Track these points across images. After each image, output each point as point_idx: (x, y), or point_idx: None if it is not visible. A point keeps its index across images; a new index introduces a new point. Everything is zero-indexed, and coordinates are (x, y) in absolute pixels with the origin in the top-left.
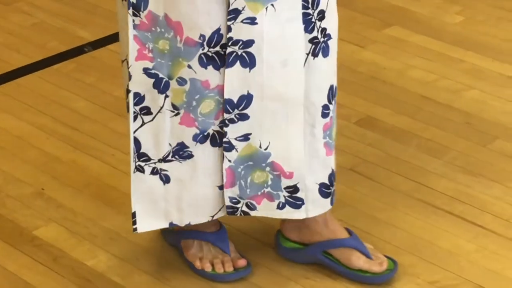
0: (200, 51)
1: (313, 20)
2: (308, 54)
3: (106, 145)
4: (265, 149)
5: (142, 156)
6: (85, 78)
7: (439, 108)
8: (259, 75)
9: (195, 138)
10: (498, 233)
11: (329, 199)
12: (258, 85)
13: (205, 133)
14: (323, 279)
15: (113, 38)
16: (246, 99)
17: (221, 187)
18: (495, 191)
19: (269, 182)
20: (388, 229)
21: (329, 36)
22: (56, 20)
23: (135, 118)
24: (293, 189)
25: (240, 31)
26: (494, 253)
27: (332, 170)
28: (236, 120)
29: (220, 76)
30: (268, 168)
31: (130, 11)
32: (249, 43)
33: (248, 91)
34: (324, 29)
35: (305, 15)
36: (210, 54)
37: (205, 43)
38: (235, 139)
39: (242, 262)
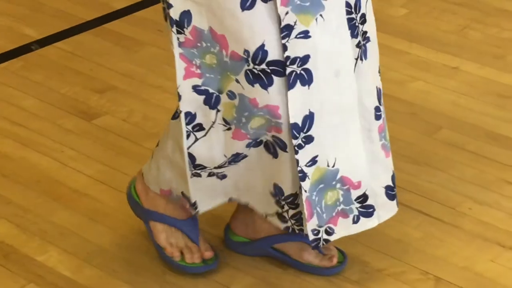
0: (246, 67)
1: (356, 24)
2: (356, 59)
3: (55, 142)
4: (333, 166)
5: (198, 167)
6: (32, 76)
7: (385, 100)
8: (317, 91)
9: (248, 145)
10: (443, 221)
11: (395, 201)
12: (317, 101)
13: (258, 140)
14: (273, 270)
15: (60, 35)
16: (309, 119)
17: (272, 195)
18: (440, 179)
19: (341, 199)
20: None
21: (368, 39)
22: (2, 18)
23: (188, 136)
24: (363, 198)
25: (295, 47)
26: (440, 240)
27: (393, 172)
28: (304, 145)
29: (268, 95)
30: (338, 185)
31: (174, 29)
32: (306, 58)
33: (309, 109)
34: (365, 32)
35: (349, 20)
36: (255, 71)
37: (249, 59)
38: (306, 165)
39: (209, 254)
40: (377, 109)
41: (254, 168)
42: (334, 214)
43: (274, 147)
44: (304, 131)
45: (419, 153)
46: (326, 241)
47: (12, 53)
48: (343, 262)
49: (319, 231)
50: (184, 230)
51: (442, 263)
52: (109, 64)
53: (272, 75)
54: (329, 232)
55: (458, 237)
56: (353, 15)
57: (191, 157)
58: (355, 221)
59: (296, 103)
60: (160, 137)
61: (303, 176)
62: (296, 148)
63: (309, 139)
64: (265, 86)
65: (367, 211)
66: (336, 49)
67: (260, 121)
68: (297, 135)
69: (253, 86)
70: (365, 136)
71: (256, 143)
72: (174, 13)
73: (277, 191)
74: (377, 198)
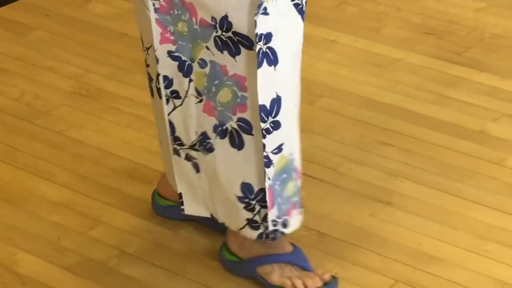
0: (214, 33)
1: (303, 9)
2: None
3: None
4: (291, 155)
5: (177, 140)
6: None
7: None
8: (282, 73)
9: (215, 129)
10: (325, 181)
11: None
12: (283, 84)
13: (224, 127)
14: None
15: None
16: (277, 103)
17: (240, 199)
18: (321, 143)
19: (295, 190)
20: None
21: None
22: None
23: (167, 101)
24: (300, 187)
25: (261, 24)
26: (322, 198)
27: None
28: (271, 130)
29: (235, 64)
30: (294, 175)
31: None
32: (269, 36)
33: (276, 93)
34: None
35: (295, 5)
36: (224, 38)
37: (217, 25)
38: (272, 152)
39: (327, 276)
40: None
41: (219, 172)
42: (290, 205)
43: (239, 136)
44: (272, 115)
45: (301, 121)
46: (282, 233)
47: None
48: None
49: (277, 223)
50: (292, 261)
51: (324, 220)
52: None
53: (239, 45)
54: (285, 225)
55: (339, 195)
56: (298, 0)
57: (171, 125)
58: (300, 213)
59: (264, 83)
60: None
61: (268, 163)
62: (264, 132)
63: (277, 125)
64: (233, 54)
65: (301, 201)
66: (290, 31)
67: (228, 95)
68: (266, 119)
69: (222, 52)
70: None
71: (222, 132)
72: None
73: (246, 191)
74: None
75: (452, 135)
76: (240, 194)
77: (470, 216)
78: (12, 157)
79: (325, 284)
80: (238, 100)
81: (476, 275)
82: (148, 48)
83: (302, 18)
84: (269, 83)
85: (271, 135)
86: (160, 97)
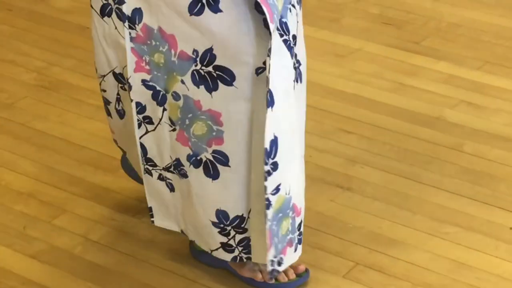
0: (193, 67)
1: (291, 45)
2: (294, 81)
3: None
4: (288, 193)
5: (149, 161)
6: None
7: None
8: (278, 113)
9: (189, 158)
10: None
11: None
12: (278, 124)
13: (198, 157)
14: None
15: None
16: (274, 144)
17: (214, 224)
18: None
19: (290, 228)
20: None
21: (299, 62)
22: None
23: (139, 125)
24: (301, 224)
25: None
26: None
27: None
28: (272, 172)
29: (211, 100)
30: (290, 213)
31: (126, 24)
32: (267, 79)
33: (274, 133)
34: (296, 55)
35: (284, 41)
36: (202, 73)
37: (198, 59)
38: (271, 193)
39: (301, 268)
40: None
41: (193, 196)
42: (285, 243)
43: (214, 166)
44: (272, 157)
45: None
46: (278, 272)
47: None
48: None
49: (273, 262)
50: None
51: None
52: None
53: (218, 81)
54: (279, 263)
55: None
56: (286, 37)
57: (143, 148)
58: (295, 250)
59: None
60: None
61: (268, 205)
62: (266, 175)
63: (275, 166)
64: (209, 90)
65: (301, 237)
66: (284, 69)
67: (202, 128)
68: (267, 161)
69: (198, 87)
70: (301, 161)
71: (196, 161)
72: (127, 9)
73: (220, 218)
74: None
75: (410, 122)
76: (215, 220)
77: (428, 200)
78: None
79: (298, 276)
80: (214, 133)
81: (434, 256)
82: (104, 76)
83: (291, 55)
84: (268, 125)
85: (271, 176)
86: (121, 118)
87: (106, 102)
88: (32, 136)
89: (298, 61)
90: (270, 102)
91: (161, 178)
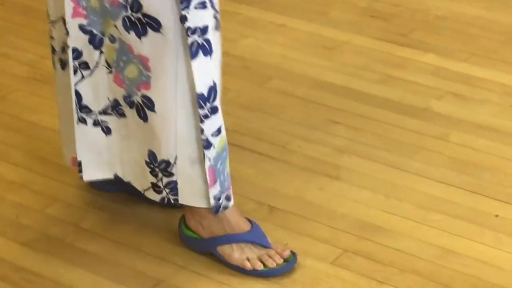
0: (124, 13)
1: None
2: (214, 29)
3: None
4: (224, 134)
5: (83, 108)
6: None
7: None
8: (217, 61)
9: (124, 99)
10: (274, 158)
11: None
12: (217, 71)
13: (131, 99)
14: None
15: None
16: (213, 90)
17: (147, 163)
18: (271, 123)
19: (228, 163)
20: None
21: (217, 11)
22: None
23: (75, 71)
24: None
25: (195, 18)
26: (272, 174)
27: None
28: (210, 115)
29: (141, 45)
30: (227, 150)
31: None
32: (205, 29)
33: (213, 80)
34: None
35: None
36: (132, 19)
37: (128, 5)
38: (211, 135)
39: (287, 253)
40: None
41: (131, 135)
42: (230, 180)
43: (143, 110)
44: (210, 101)
45: (252, 101)
46: (225, 207)
47: None
48: (291, 261)
49: (220, 198)
50: (251, 240)
51: (274, 194)
52: None
53: (147, 26)
54: (228, 198)
55: (288, 171)
56: None
57: (78, 95)
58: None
59: (202, 73)
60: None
61: (208, 145)
62: (202, 117)
63: (214, 110)
64: (139, 35)
65: None
66: (206, 18)
67: (134, 71)
68: (203, 105)
69: (129, 32)
70: None
71: (130, 102)
72: None
73: (151, 158)
74: None
75: (397, 112)
76: (147, 159)
77: (416, 188)
78: None
79: (285, 261)
80: (143, 78)
81: (421, 243)
82: (54, 22)
83: (212, 5)
84: (206, 72)
85: (209, 119)
86: (63, 68)
87: (52, 51)
88: (24, 128)
89: (216, 11)
90: (209, 51)
91: (96, 123)
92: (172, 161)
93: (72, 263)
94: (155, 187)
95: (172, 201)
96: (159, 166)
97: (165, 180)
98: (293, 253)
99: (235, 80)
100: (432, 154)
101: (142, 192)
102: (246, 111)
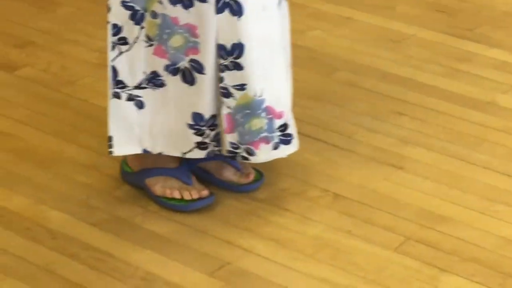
0: None
1: None
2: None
3: None
4: (260, 96)
5: (118, 83)
6: None
7: None
8: (247, 23)
9: (166, 68)
10: (340, 147)
11: None
12: (247, 33)
13: (176, 66)
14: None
15: None
16: (239, 49)
17: (191, 126)
18: (337, 113)
19: (265, 127)
20: None
21: None
22: None
23: (112, 47)
24: (284, 127)
25: None
26: (337, 163)
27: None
28: (231, 68)
29: (188, 14)
30: (263, 114)
31: None
32: None
33: (239, 40)
34: None
35: None
36: None
37: None
38: (232, 87)
39: (205, 192)
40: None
41: (169, 103)
42: (256, 139)
43: (191, 74)
44: (233, 56)
45: (318, 92)
46: (244, 158)
47: None
48: (259, 180)
49: (238, 147)
50: (176, 175)
51: (339, 182)
52: (27, 23)
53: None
54: (249, 153)
55: (354, 160)
56: None
57: (114, 70)
58: (275, 148)
59: (225, 28)
60: None
61: (227, 94)
62: (222, 67)
63: (238, 66)
64: (185, 7)
65: (287, 139)
66: None
67: (180, 41)
68: (225, 57)
69: (174, 6)
70: (286, 70)
71: (174, 70)
72: None
73: (196, 120)
74: (293, 127)
75: (462, 105)
76: (190, 122)
77: (479, 179)
78: (40, 123)
79: (200, 198)
80: (190, 44)
81: (484, 233)
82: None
83: None
84: (231, 29)
85: (230, 72)
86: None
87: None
88: (94, 112)
89: None
90: (238, 12)
91: (130, 98)
92: (217, 113)
93: (140, 244)
94: (200, 145)
95: (218, 152)
96: (207, 124)
97: (212, 134)
98: (211, 194)
99: (302, 71)
100: (496, 147)
101: (182, 155)
102: (312, 101)
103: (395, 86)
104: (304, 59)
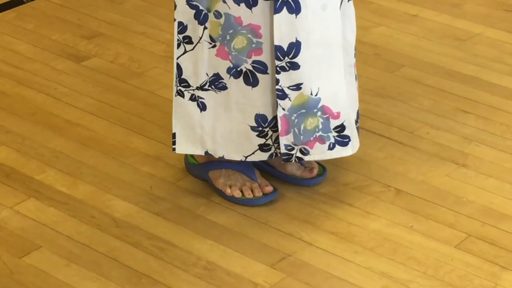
0: None
1: None
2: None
3: (48, 81)
4: (316, 95)
5: (183, 82)
6: (25, 25)
7: None
8: (305, 21)
9: (229, 71)
10: (403, 143)
11: (358, 133)
12: (304, 31)
13: (238, 69)
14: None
15: None
16: (295, 47)
17: (254, 128)
18: (400, 109)
19: (320, 126)
20: None
21: None
22: None
23: (178, 45)
24: (341, 128)
25: None
26: (400, 159)
27: (358, 107)
28: (287, 69)
29: (251, 15)
30: (319, 113)
31: None
32: None
33: (296, 38)
34: None
35: None
36: None
37: None
38: (288, 88)
39: (269, 188)
40: (355, 47)
41: (232, 107)
42: (312, 138)
43: (253, 75)
44: (290, 56)
45: (382, 88)
46: (299, 158)
47: (5, 6)
48: (322, 174)
49: (293, 148)
50: (239, 169)
51: (402, 178)
52: (95, 14)
53: None
54: (303, 152)
55: (416, 156)
56: None
57: (179, 68)
58: (330, 148)
59: (282, 27)
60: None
61: (283, 95)
62: (278, 68)
63: (294, 66)
64: (249, 6)
65: (343, 140)
66: None
67: (242, 41)
68: (281, 58)
69: (238, 5)
70: (347, 70)
71: (236, 72)
72: None
73: (259, 122)
74: (352, 129)
75: None
76: (253, 124)
77: None
78: (107, 113)
79: (264, 195)
80: (254, 45)
81: None
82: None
83: None
84: (288, 28)
85: (286, 73)
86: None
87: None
88: (160, 104)
89: None
90: (296, 10)
91: (193, 98)
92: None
93: (202, 234)
94: (263, 147)
95: (279, 155)
96: (270, 125)
97: (275, 135)
98: (275, 189)
99: (367, 67)
100: None
101: (243, 159)
102: (376, 97)
103: (460, 84)
104: (368, 55)
